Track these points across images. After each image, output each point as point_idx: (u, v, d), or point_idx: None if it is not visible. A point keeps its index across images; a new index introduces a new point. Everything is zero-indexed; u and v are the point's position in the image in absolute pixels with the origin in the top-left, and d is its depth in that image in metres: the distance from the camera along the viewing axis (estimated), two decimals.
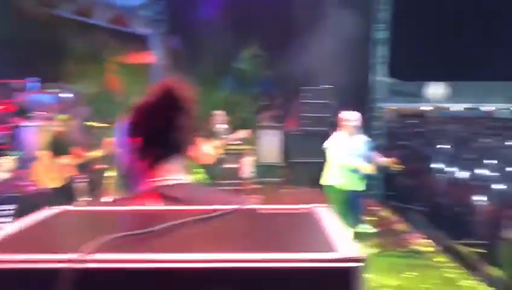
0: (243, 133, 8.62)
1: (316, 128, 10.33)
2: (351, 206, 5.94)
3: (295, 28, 11.44)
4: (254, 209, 0.92)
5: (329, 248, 0.67)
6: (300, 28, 11.44)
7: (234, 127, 10.96)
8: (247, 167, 9.44)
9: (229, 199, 1.14)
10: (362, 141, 6.12)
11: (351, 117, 5.91)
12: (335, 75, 11.28)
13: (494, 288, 5.18)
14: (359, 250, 0.68)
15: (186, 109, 1.24)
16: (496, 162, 17.47)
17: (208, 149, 8.04)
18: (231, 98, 12.84)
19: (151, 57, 11.97)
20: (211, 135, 8.32)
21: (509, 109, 45.07)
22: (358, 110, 6.19)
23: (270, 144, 10.73)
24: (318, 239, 0.73)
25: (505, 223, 10.17)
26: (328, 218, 0.84)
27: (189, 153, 1.29)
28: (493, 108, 47.49)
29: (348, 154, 5.75)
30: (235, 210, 0.87)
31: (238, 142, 8.97)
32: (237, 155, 9.77)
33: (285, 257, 0.62)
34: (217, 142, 8.25)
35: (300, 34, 11.41)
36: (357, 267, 0.63)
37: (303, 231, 0.80)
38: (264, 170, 10.60)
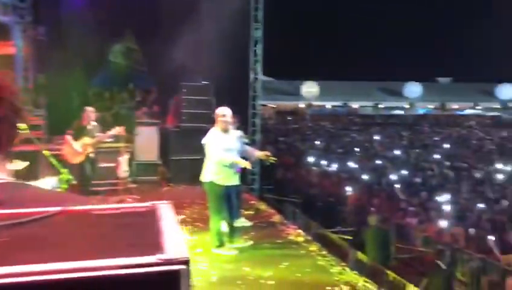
0: (117, 130, 8.22)
1: (196, 124, 10.23)
2: (229, 201, 5.99)
3: (174, 23, 11.22)
4: (85, 211, 0.81)
5: (156, 250, 0.59)
6: (179, 23, 11.26)
7: (108, 123, 10.43)
8: (122, 165, 9.02)
9: (61, 199, 1.01)
10: (237, 136, 6.19)
11: (223, 112, 5.95)
12: (215, 72, 11.31)
13: (357, 272, 5.57)
14: (185, 251, 0.62)
15: (4, 99, 1.07)
16: (360, 154, 19.03)
17: (77, 147, 7.53)
18: (104, 94, 12.20)
19: (12, 48, 10.84)
20: (82, 132, 7.79)
21: (371, 106, 49.47)
22: (238, 107, 6.26)
23: (148, 141, 10.39)
24: (147, 240, 0.65)
25: (369, 211, 11.11)
26: (166, 216, 0.77)
27: (11, 149, 1.13)
28: (357, 106, 51.74)
29: (223, 150, 5.78)
30: (60, 212, 0.76)
31: (112, 139, 8.53)
32: (112, 153, 9.28)
33: (97, 264, 0.53)
34: (88, 140, 7.76)
35: (179, 29, 11.23)
36: (180, 270, 0.57)
37: (134, 231, 0.72)
38: (141, 168, 10.24)
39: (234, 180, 6.02)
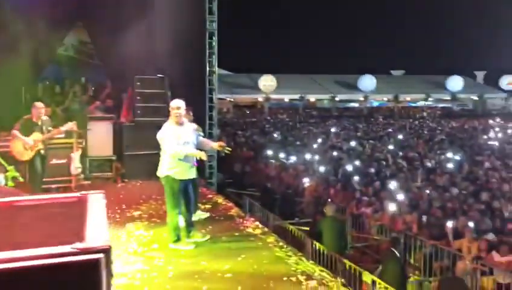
0: (69, 126, 7.95)
1: (151, 118, 10.04)
2: (186, 195, 5.93)
3: (127, 16, 10.96)
4: (7, 203, 0.75)
5: (76, 239, 0.55)
6: (133, 15, 11.01)
7: (60, 119, 10.07)
8: (75, 161, 8.74)
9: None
10: (192, 129, 6.12)
11: (177, 105, 5.87)
12: (170, 65, 11.14)
13: (313, 262, 5.64)
14: (106, 240, 0.58)
15: None
16: (316, 146, 19.27)
17: (25, 143, 7.23)
18: (55, 88, 11.77)
19: None
20: (31, 128, 7.47)
21: (328, 99, 50.19)
22: (194, 101, 6.18)
23: (102, 137, 10.12)
24: (69, 230, 0.61)
25: (326, 202, 11.29)
26: (95, 206, 0.72)
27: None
28: (314, 99, 52.45)
29: (178, 143, 5.71)
30: None
31: (64, 135, 8.24)
32: (64, 150, 8.98)
33: (8, 256, 0.49)
34: (38, 136, 7.46)
35: (133, 22, 10.97)
36: (99, 259, 0.53)
37: (57, 222, 0.67)
38: (95, 164, 9.97)
39: (191, 173, 5.97)
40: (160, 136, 5.80)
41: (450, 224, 8.35)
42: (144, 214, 7.31)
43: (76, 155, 8.83)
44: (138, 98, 10.14)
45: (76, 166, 8.81)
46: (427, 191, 10.99)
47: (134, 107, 10.27)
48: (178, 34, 10.96)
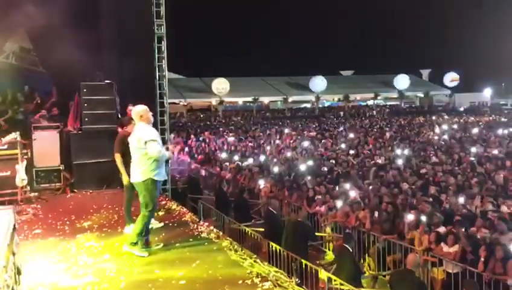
0: (12, 137, 7.62)
1: (99, 126, 9.80)
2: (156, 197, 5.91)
3: (72, 21, 10.61)
4: None
5: None
6: (78, 20, 10.67)
7: (2, 129, 9.63)
8: (20, 173, 8.37)
9: None
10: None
11: (147, 108, 5.82)
12: (119, 70, 10.89)
13: (268, 263, 5.66)
14: None
15: None
16: (270, 147, 19.39)
17: None
18: None
19: None
20: None
21: (281, 100, 50.57)
22: (146, 106, 6.07)
23: (48, 146, 9.76)
24: None
25: (282, 203, 11.37)
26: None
27: None
28: (267, 101, 52.85)
29: (159, 145, 5.66)
30: None
31: (6, 147, 7.88)
32: (8, 161, 8.58)
33: None
34: None
35: (78, 27, 10.64)
36: None
37: None
38: (42, 175, 9.60)
39: (164, 175, 5.96)
40: (151, 137, 5.60)
41: (411, 217, 8.59)
42: (95, 225, 7.09)
43: (21, 166, 8.46)
44: (85, 105, 9.85)
45: (22, 178, 8.44)
46: (378, 187, 11.28)
47: (81, 114, 9.96)
48: (126, 39, 10.74)
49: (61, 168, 9.79)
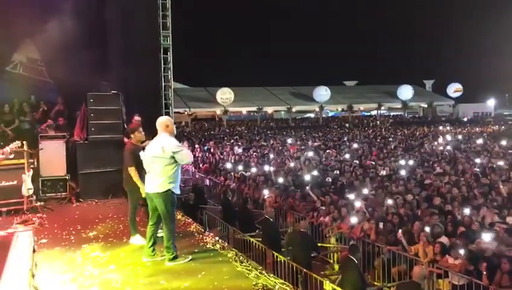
0: (15, 145, 7.67)
1: (105, 136, 9.87)
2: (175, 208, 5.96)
3: (79, 32, 10.74)
4: None
5: None
6: (85, 31, 10.80)
7: (9, 139, 9.70)
8: (26, 183, 8.42)
9: None
10: None
11: (169, 119, 5.88)
12: (125, 81, 10.99)
13: (274, 274, 5.66)
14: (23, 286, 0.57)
15: None
16: (274, 157, 19.38)
17: None
18: (4, 107, 11.32)
19: None
20: None
21: (285, 110, 50.73)
22: (150, 115, 6.11)
23: (54, 156, 9.83)
24: None
25: (287, 213, 11.36)
26: (19, 247, 0.71)
27: None
28: (271, 110, 52.93)
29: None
30: None
31: (13, 156, 7.93)
32: (14, 171, 8.64)
33: None
34: None
35: (85, 38, 10.77)
36: None
37: None
38: (48, 184, 9.66)
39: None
40: (178, 148, 5.62)
41: (400, 231, 8.58)
42: (100, 235, 7.11)
43: (27, 176, 8.51)
44: (92, 115, 9.92)
45: (28, 187, 8.48)
46: (383, 198, 11.25)
47: (87, 124, 10.03)
48: (132, 49, 10.86)
49: (67, 177, 9.85)
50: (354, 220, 9.60)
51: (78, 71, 10.32)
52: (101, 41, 11.03)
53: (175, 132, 5.89)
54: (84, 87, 10.27)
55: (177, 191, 5.81)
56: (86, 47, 10.42)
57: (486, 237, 7.98)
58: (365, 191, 12.22)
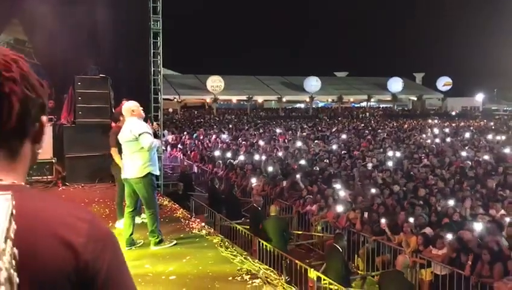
0: None
1: (93, 119, 9.78)
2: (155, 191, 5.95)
3: (67, 14, 10.57)
4: None
5: None
6: (73, 13, 10.63)
7: None
8: None
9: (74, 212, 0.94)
10: None
11: (138, 104, 5.83)
12: (114, 65, 10.86)
13: (259, 260, 5.70)
14: None
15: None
16: (263, 146, 19.42)
17: None
18: None
19: None
20: None
21: (275, 100, 50.73)
22: (138, 101, 6.06)
23: None
24: None
25: (273, 201, 11.42)
26: None
27: None
28: (262, 100, 52.85)
29: (151, 137, 5.66)
30: None
31: None
32: None
33: None
34: None
35: (74, 20, 10.60)
36: None
37: None
38: (34, 167, 9.55)
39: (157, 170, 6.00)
40: (142, 130, 5.58)
41: (383, 221, 8.66)
42: None
43: None
44: (79, 98, 9.82)
45: None
46: (369, 189, 11.35)
47: (75, 107, 9.93)
48: (121, 33, 10.72)
49: (53, 161, 9.76)
50: (339, 208, 9.68)
51: (66, 54, 10.17)
52: (90, 25, 10.87)
53: (143, 115, 5.87)
54: (73, 70, 10.14)
55: (157, 172, 5.84)
56: (74, 30, 10.26)
57: (476, 226, 8.11)
58: (352, 181, 12.32)
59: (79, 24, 10.52)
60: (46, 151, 9.78)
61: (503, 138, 23.41)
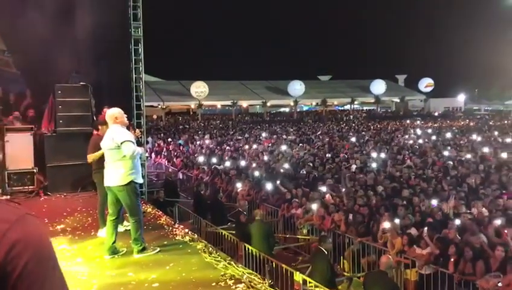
0: None
1: (74, 128, 9.67)
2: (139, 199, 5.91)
3: (48, 21, 10.46)
4: None
5: None
6: (50, 20, 10.53)
7: None
8: None
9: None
10: None
11: (122, 111, 5.77)
12: (95, 73, 10.77)
13: (243, 265, 5.68)
14: None
15: None
16: (250, 151, 19.40)
17: None
18: None
19: None
20: None
21: (259, 104, 50.84)
22: (121, 108, 6.00)
23: (21, 148, 9.57)
24: None
25: (259, 206, 11.41)
26: None
27: None
28: (246, 104, 52.85)
29: (134, 145, 5.61)
30: None
31: None
32: None
33: None
34: None
35: (54, 28, 10.50)
36: None
37: None
38: (15, 177, 9.41)
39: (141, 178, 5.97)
40: (124, 138, 5.52)
41: (386, 225, 8.62)
42: (68, 228, 6.98)
43: None
44: (60, 106, 9.70)
45: None
46: (354, 190, 11.41)
47: (55, 116, 9.81)
48: (102, 41, 10.64)
49: (34, 170, 9.61)
50: (316, 208, 9.78)
51: (46, 62, 10.07)
52: (70, 32, 10.77)
53: (126, 123, 5.82)
54: (53, 79, 10.02)
55: (140, 180, 5.80)
56: (54, 38, 10.16)
57: (459, 224, 8.21)
58: (336, 183, 12.38)
59: (59, 32, 10.42)
60: (27, 161, 9.66)
61: (484, 137, 23.80)
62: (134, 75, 10.86)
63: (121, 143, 5.50)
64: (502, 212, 9.21)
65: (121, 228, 6.20)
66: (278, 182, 12.29)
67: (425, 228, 7.95)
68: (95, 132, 7.90)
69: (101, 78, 10.82)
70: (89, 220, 7.39)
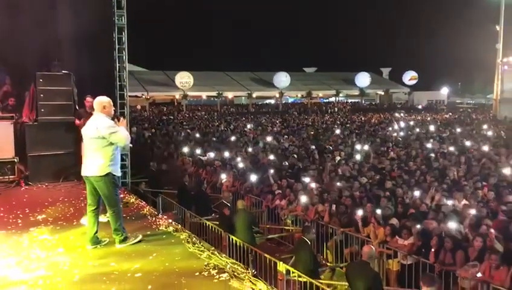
0: None
1: (56, 117, 9.53)
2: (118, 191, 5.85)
3: (25, 8, 10.26)
4: None
5: None
6: (31, 7, 10.32)
7: None
8: None
9: None
10: None
11: (109, 101, 5.68)
12: (77, 61, 10.59)
13: (226, 255, 5.68)
14: None
15: None
16: (235, 142, 19.37)
17: None
18: None
19: None
20: None
21: (245, 96, 50.71)
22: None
23: (1, 138, 9.40)
24: None
25: (242, 196, 11.41)
26: None
27: None
28: (231, 96, 52.71)
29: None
30: None
31: None
32: None
33: None
34: None
35: (35, 14, 10.28)
36: None
37: None
38: None
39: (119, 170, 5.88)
40: (112, 129, 5.44)
41: (359, 213, 8.76)
42: (50, 218, 6.90)
43: None
44: (41, 95, 9.54)
45: None
46: (337, 182, 11.48)
47: (37, 105, 9.65)
48: (85, 29, 10.45)
49: (15, 160, 9.46)
50: (303, 199, 9.82)
51: (27, 50, 9.86)
52: (52, 20, 10.57)
53: (112, 114, 5.74)
54: (34, 67, 9.84)
55: (118, 173, 5.71)
56: (35, 25, 9.95)
57: (440, 215, 8.32)
58: (321, 175, 12.44)
59: (40, 19, 10.21)
60: (7, 150, 9.50)
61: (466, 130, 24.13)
62: (117, 64, 10.71)
63: (110, 134, 5.42)
64: (483, 204, 9.37)
65: (103, 218, 6.14)
66: (272, 171, 12.33)
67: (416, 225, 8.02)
68: (77, 122, 7.82)
69: (83, 67, 10.65)
70: (71, 210, 7.31)
